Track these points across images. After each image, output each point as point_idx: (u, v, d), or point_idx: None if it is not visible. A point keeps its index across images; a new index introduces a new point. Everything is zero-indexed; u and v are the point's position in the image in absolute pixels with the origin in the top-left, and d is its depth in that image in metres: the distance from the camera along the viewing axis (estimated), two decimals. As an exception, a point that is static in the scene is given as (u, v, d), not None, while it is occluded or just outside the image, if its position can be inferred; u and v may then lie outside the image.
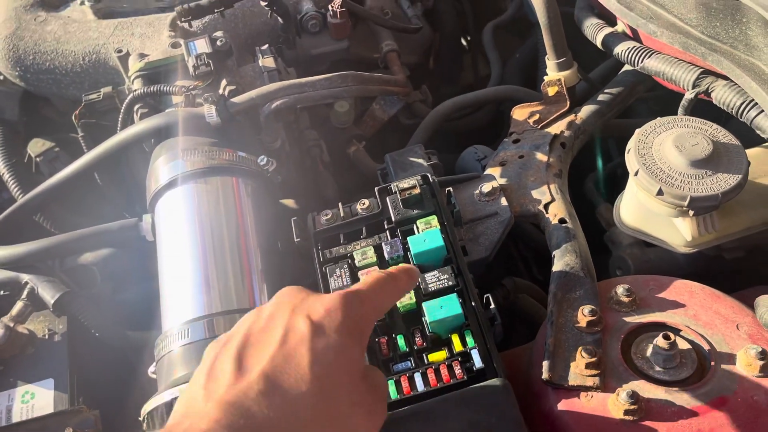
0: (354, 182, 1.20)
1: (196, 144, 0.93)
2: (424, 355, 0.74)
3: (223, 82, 1.00)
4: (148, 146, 1.00)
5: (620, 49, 0.99)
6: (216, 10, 1.07)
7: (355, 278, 0.81)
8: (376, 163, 1.16)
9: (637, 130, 0.85)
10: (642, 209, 0.87)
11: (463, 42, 1.65)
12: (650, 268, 0.99)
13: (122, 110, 1.01)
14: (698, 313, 0.78)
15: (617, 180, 1.23)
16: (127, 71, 1.07)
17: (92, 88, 1.12)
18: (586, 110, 1.05)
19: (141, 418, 0.78)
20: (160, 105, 1.03)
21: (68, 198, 1.08)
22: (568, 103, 1.05)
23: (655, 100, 1.27)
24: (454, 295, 0.76)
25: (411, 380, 0.72)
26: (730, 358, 0.73)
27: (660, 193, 0.80)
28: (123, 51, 1.09)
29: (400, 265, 0.70)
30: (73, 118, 1.09)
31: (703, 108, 0.93)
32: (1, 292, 0.97)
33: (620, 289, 0.80)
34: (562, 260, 0.84)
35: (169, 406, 0.75)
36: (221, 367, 0.53)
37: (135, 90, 1.01)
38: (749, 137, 0.89)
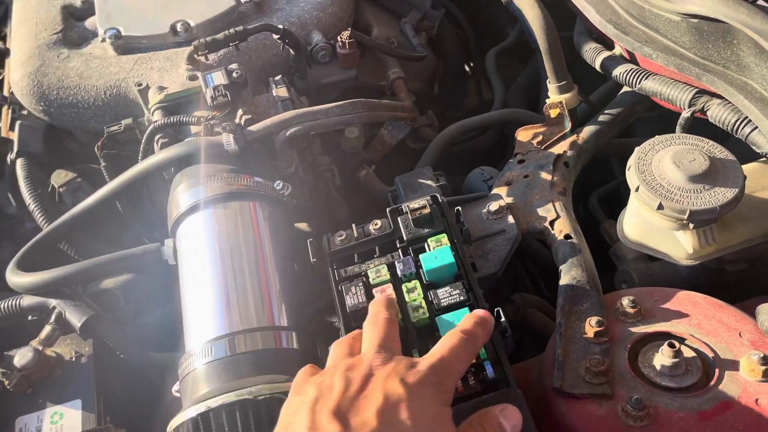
0: (365, 205, 1.24)
1: (215, 171, 0.98)
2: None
3: (240, 112, 1.05)
4: (168, 174, 1.05)
5: (618, 71, 1.04)
6: (231, 44, 1.13)
7: (369, 295, 0.84)
8: (386, 185, 1.21)
9: (637, 148, 0.89)
10: (644, 224, 0.91)
11: (467, 68, 1.70)
12: (654, 281, 1.02)
13: (143, 140, 1.06)
14: (701, 322, 0.81)
15: (620, 197, 1.27)
16: (147, 104, 1.12)
17: (113, 120, 1.17)
18: (587, 131, 1.09)
19: (166, 435, 0.81)
20: (179, 135, 1.08)
21: (91, 225, 1.12)
22: (570, 124, 1.09)
23: (656, 119, 1.31)
24: (465, 309, 0.79)
25: (426, 392, 0.75)
26: (734, 365, 0.76)
27: (660, 207, 0.84)
28: (143, 84, 1.14)
29: (474, 313, 0.72)
30: (95, 149, 1.14)
31: (701, 126, 0.97)
32: (30, 317, 1.01)
33: (625, 301, 0.83)
34: (568, 274, 0.87)
35: (194, 422, 0.77)
36: (325, 426, 0.56)
37: (155, 121, 1.06)
38: (748, 153, 0.93)
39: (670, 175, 0.85)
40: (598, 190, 1.21)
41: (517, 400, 0.71)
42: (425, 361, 0.62)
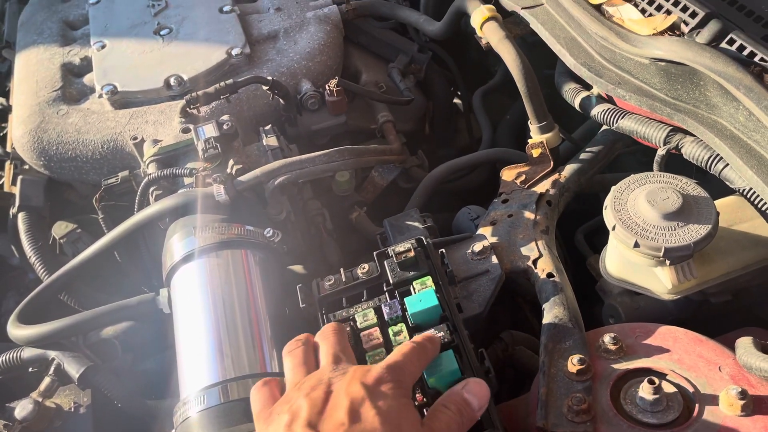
0: (358, 245, 1.27)
1: (207, 221, 1.01)
2: (424, 409, 0.79)
3: (231, 162, 1.08)
4: (163, 224, 1.08)
5: (596, 111, 1.07)
6: (222, 97, 1.17)
7: (358, 340, 0.86)
8: (377, 226, 1.23)
9: (613, 188, 0.92)
10: (624, 261, 0.93)
11: (458, 104, 1.74)
12: (640, 315, 1.04)
13: (139, 193, 1.10)
14: (682, 357, 0.83)
15: (606, 231, 1.29)
16: (143, 156, 1.16)
17: (110, 172, 1.21)
18: (569, 169, 1.12)
19: (163, 483, 0.83)
20: (173, 186, 1.11)
21: (91, 275, 1.15)
22: (552, 163, 1.12)
23: (642, 152, 1.34)
24: (450, 352, 0.81)
25: (413, 434, 0.76)
26: (714, 399, 0.77)
27: (636, 245, 0.86)
28: (138, 138, 1.18)
29: (425, 333, 0.80)
30: (93, 201, 1.17)
31: (682, 159, 0.99)
32: (31, 369, 1.03)
33: (607, 338, 0.85)
34: (551, 312, 0.89)
35: (189, 471, 0.80)
36: None
37: (150, 174, 1.09)
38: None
39: (644, 214, 0.87)
40: (584, 225, 1.23)
41: (501, 441, 0.73)
42: (380, 365, 0.69)
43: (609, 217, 0.89)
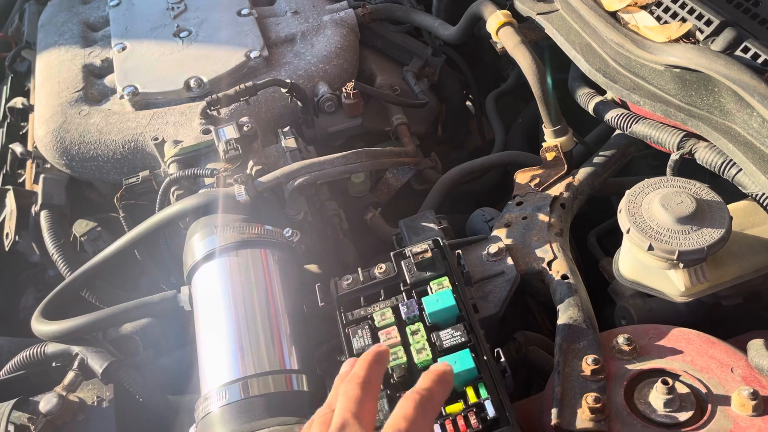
0: (372, 245, 1.29)
1: (228, 221, 1.03)
2: (441, 407, 0.81)
3: (251, 163, 1.11)
4: (184, 224, 1.10)
5: (610, 116, 1.09)
6: (241, 99, 1.19)
7: (375, 338, 0.88)
8: (392, 227, 1.25)
9: (627, 192, 0.93)
10: (637, 263, 0.95)
11: (470, 108, 1.76)
12: (652, 317, 1.05)
13: (160, 192, 1.12)
14: (695, 358, 0.84)
15: (618, 235, 1.31)
16: (163, 156, 1.19)
17: (131, 172, 1.23)
18: (583, 172, 1.14)
19: (184, 476, 0.85)
20: (194, 186, 1.14)
21: (111, 273, 1.18)
22: (566, 166, 1.14)
23: (653, 155, 1.36)
24: (467, 351, 0.83)
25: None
26: (726, 400, 0.79)
27: (650, 248, 0.87)
28: (159, 138, 1.20)
29: (433, 369, 0.67)
30: (114, 200, 1.20)
31: (695, 164, 1.00)
32: (54, 364, 1.06)
33: (621, 339, 0.86)
34: (565, 314, 0.91)
35: (210, 464, 0.82)
36: None
37: (171, 174, 1.12)
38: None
39: (659, 218, 0.89)
40: (597, 228, 1.25)
41: (516, 437, 0.75)
42: None
43: (623, 220, 0.91)
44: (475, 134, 1.72)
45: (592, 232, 1.24)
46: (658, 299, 1.05)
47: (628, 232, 0.90)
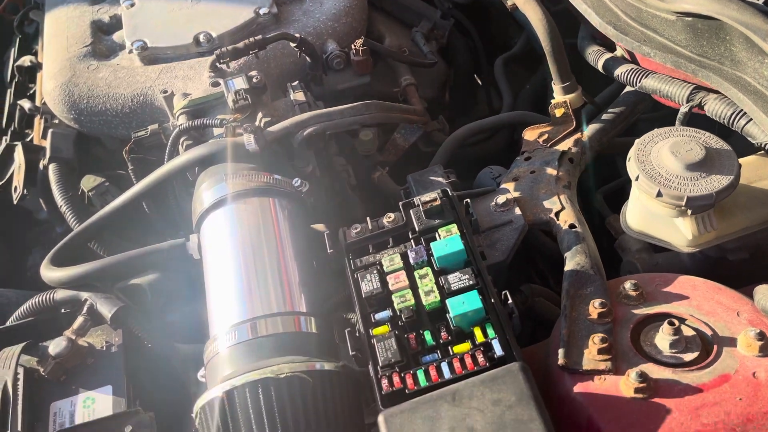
0: (379, 205, 1.29)
1: (237, 169, 1.03)
2: (449, 347, 0.81)
3: (260, 115, 1.11)
4: (192, 175, 1.11)
5: (620, 71, 1.09)
6: (251, 52, 1.19)
7: (384, 282, 0.88)
8: (399, 187, 1.25)
9: (637, 140, 0.94)
10: (645, 213, 0.95)
11: (476, 77, 1.75)
12: (658, 271, 1.05)
13: (169, 143, 1.12)
14: (701, 303, 0.85)
15: (625, 195, 1.31)
16: (172, 109, 1.19)
17: (139, 127, 1.23)
18: (592, 128, 1.14)
19: (193, 414, 0.86)
20: (203, 137, 1.14)
21: (119, 226, 1.18)
22: (574, 122, 1.14)
23: (660, 120, 1.36)
24: (474, 292, 0.83)
25: (438, 369, 0.79)
26: (732, 342, 0.80)
27: (659, 194, 0.88)
28: (168, 92, 1.20)
29: None
30: (123, 153, 1.20)
31: (702, 121, 1.01)
32: (63, 310, 1.07)
33: (628, 285, 0.87)
34: (573, 260, 0.91)
35: (219, 400, 0.82)
36: None
37: (180, 125, 1.12)
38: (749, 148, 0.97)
39: (668, 165, 0.89)
40: (603, 187, 1.25)
41: (523, 371, 0.75)
42: None
43: (632, 168, 0.91)
44: (482, 104, 1.72)
45: (599, 190, 1.24)
46: (664, 254, 1.06)
47: (637, 179, 0.90)
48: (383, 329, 0.85)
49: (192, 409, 0.86)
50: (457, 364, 0.79)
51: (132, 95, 1.26)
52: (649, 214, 0.94)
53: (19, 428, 0.91)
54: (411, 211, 0.97)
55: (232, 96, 1.11)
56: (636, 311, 0.86)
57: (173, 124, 1.19)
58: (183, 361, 1.04)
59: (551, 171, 1.06)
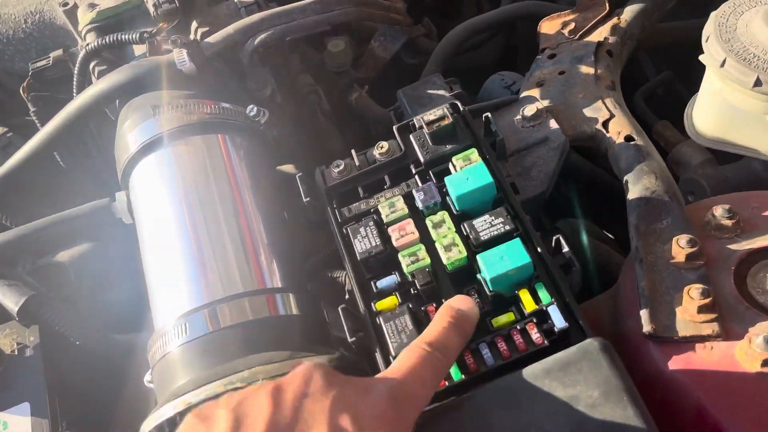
0: (360, 135, 1.04)
1: (168, 98, 0.76)
2: (487, 320, 0.58)
3: (194, 24, 0.83)
4: (113, 112, 0.83)
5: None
6: (175, -58, 0.89)
7: (385, 237, 0.64)
8: (384, 108, 0.99)
9: (713, 13, 0.68)
10: (726, 113, 0.71)
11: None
12: (728, 189, 0.83)
13: (76, 71, 0.84)
14: (820, 228, 0.62)
15: (659, 100, 1.07)
16: (77, 26, 0.90)
17: (41, 55, 0.95)
18: (630, 11, 0.88)
19: (141, 438, 0.62)
20: (120, 60, 0.86)
21: (27, 186, 0.91)
22: (608, 5, 0.88)
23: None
24: (517, 240, 0.59)
25: (476, 354, 0.56)
26: None
27: (758, 83, 0.63)
28: (69, 4, 0.91)
29: (447, 306, 0.54)
30: (20, 91, 0.91)
31: None
32: (-45, 306, 0.80)
33: (719, 211, 0.64)
34: (638, 184, 0.67)
35: (171, 422, 0.59)
36: None
37: (88, 44, 0.83)
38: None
39: (765, 42, 0.64)
40: (642, 88, 1.00)
41: (606, 352, 0.52)
42: (383, 387, 0.47)
43: (715, 49, 0.66)
44: (471, 5, 1.44)
45: (638, 92, 1.00)
46: (734, 166, 0.83)
47: (722, 65, 0.65)
48: (391, 302, 0.61)
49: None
50: (502, 346, 0.56)
51: (24, 14, 0.97)
52: (734, 114, 0.70)
53: None
54: (411, 136, 0.71)
55: (153, 0, 0.82)
56: (733, 246, 0.62)
57: (81, 46, 0.90)
58: (126, 355, 0.80)
59: (587, 69, 0.81)
